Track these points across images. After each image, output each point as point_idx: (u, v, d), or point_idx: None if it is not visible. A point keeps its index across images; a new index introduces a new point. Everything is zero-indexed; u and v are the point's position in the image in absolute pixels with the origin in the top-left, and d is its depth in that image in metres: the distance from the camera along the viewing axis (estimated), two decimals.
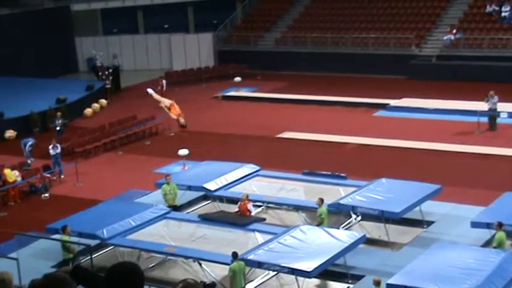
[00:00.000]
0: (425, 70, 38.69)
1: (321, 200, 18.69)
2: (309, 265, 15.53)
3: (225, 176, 21.87)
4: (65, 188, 25.05)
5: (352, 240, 16.91)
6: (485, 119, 28.63)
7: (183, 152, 25.72)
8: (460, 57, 38.12)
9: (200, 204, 22.32)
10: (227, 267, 16.02)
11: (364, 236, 17.68)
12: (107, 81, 38.59)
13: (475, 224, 17.71)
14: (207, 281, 15.18)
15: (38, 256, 18.70)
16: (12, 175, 24.16)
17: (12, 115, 32.34)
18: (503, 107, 29.10)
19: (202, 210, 21.68)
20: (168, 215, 19.81)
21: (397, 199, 18.93)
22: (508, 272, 14.83)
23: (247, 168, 22.66)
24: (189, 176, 22.56)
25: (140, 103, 35.06)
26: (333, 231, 17.53)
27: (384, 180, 20.48)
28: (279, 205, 21.07)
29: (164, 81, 37.09)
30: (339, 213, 19.76)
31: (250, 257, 16.13)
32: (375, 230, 19.53)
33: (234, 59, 43.14)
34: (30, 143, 26.91)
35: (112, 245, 18.59)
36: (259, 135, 30.08)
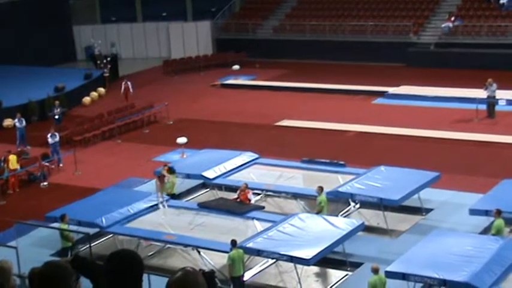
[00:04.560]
0: (423, 58, 38.64)
1: (321, 188, 18.69)
2: (307, 253, 15.55)
3: (223, 164, 21.86)
4: (64, 177, 25.03)
5: (350, 228, 16.93)
6: (483, 107, 28.63)
7: (182, 140, 25.72)
8: (458, 45, 38.08)
9: (199, 193, 22.33)
10: (226, 255, 16.05)
11: (363, 223, 17.70)
12: (105, 70, 38.48)
13: (473, 212, 17.73)
14: (206, 269, 15.16)
15: (37, 245, 18.70)
16: (16, 163, 24.15)
17: (11, 104, 32.27)
18: (501, 95, 29.07)
19: (201, 198, 21.70)
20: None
21: (395, 186, 18.95)
22: (506, 259, 14.85)
23: (246, 156, 22.65)
24: (188, 164, 22.55)
25: (138, 91, 34.98)
26: (331, 218, 17.55)
27: (382, 167, 20.49)
28: (278, 193, 21.05)
29: (129, 82, 34.62)
30: (337, 201, 19.78)
31: (249, 245, 16.15)
32: (373, 217, 19.54)
33: (233, 47, 43.06)
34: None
35: (111, 233, 18.61)
36: (257, 123, 30.05)
